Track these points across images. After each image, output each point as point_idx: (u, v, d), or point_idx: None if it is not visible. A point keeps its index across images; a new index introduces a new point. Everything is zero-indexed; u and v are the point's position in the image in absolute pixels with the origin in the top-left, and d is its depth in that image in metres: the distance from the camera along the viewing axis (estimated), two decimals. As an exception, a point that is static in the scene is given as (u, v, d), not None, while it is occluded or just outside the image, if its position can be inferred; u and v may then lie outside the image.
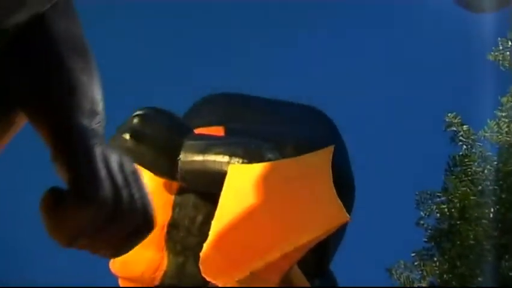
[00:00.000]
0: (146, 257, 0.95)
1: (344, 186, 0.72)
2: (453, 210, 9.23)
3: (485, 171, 9.57)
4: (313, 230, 0.64)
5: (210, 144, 0.87)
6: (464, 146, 9.81)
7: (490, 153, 9.73)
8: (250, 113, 0.98)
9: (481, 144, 9.89)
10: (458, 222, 9.06)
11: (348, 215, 0.65)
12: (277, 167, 0.72)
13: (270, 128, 0.92)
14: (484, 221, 8.99)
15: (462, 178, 9.46)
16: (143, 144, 0.87)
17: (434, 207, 9.41)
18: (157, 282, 0.95)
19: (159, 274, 0.95)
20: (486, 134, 9.88)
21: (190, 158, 0.86)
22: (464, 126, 9.83)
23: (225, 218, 0.68)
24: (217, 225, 0.69)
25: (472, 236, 8.92)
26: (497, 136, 9.80)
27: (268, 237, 0.65)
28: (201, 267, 0.66)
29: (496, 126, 9.86)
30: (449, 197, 9.36)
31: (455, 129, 9.83)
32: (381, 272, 11.16)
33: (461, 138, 9.82)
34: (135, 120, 0.89)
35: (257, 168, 0.71)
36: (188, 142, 0.88)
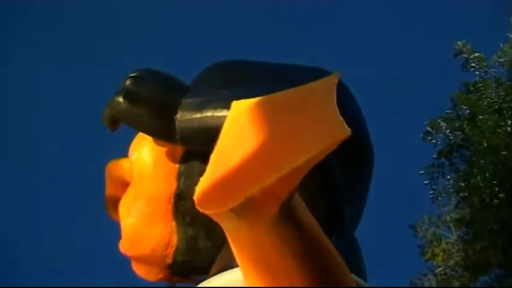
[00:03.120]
0: (155, 232, 0.91)
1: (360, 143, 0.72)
2: (464, 125, 8.39)
3: (502, 93, 8.76)
4: (310, 148, 0.55)
5: (207, 100, 0.84)
6: (477, 72, 9.06)
7: (507, 83, 8.95)
8: (253, 77, 0.96)
9: (496, 70, 9.13)
10: (469, 132, 8.19)
11: (349, 130, 0.54)
12: (278, 96, 0.66)
13: (271, 88, 0.89)
14: (499, 130, 8.11)
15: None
16: (138, 106, 0.85)
17: (442, 122, 8.57)
18: (169, 260, 0.92)
19: (171, 251, 0.91)
20: (500, 60, 9.14)
21: (188, 116, 0.84)
22: (476, 53, 9.12)
23: (221, 149, 0.62)
24: (213, 157, 0.62)
25: (485, 144, 8.03)
26: (513, 60, 9.04)
27: (264, 161, 0.57)
28: (194, 199, 0.58)
29: (510, 49, 9.13)
30: (458, 112, 8.55)
31: (465, 56, 9.12)
32: (405, 228, 10.33)
33: (472, 64, 9.09)
34: (128, 82, 0.87)
35: (257, 101, 0.66)
36: (185, 100, 0.86)
